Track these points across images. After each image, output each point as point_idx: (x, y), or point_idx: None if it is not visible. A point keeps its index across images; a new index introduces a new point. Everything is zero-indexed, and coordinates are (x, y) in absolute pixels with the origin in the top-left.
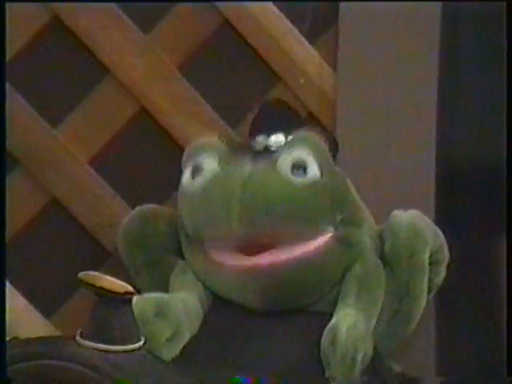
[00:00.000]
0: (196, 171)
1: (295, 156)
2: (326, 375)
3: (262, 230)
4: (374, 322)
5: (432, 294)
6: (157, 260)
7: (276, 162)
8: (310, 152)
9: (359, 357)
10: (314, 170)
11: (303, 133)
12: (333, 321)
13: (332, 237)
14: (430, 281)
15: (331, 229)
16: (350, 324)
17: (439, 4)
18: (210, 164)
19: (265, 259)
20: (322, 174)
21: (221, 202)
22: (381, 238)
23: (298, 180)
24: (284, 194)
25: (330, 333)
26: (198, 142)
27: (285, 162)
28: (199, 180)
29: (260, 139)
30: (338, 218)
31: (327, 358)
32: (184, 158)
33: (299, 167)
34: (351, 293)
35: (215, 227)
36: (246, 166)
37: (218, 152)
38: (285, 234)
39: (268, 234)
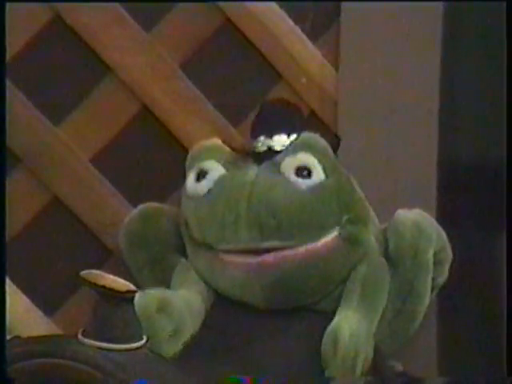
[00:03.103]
0: (200, 175)
1: (299, 160)
2: (326, 375)
3: (270, 235)
4: (375, 324)
5: (434, 294)
6: (159, 259)
7: (280, 165)
8: (313, 155)
9: (360, 361)
10: (318, 173)
11: (306, 136)
12: (334, 322)
13: (338, 235)
14: (432, 280)
15: (337, 228)
16: (352, 328)
17: (441, 3)
18: (214, 168)
19: (270, 256)
20: (326, 176)
21: (227, 209)
22: (384, 237)
23: (303, 183)
24: (289, 198)
25: (331, 335)
26: (201, 145)
27: (289, 165)
28: (204, 184)
29: (262, 139)
30: (345, 218)
31: (327, 360)
32: (188, 160)
33: (303, 170)
34: (355, 294)
35: (222, 233)
36: (251, 171)
37: (222, 155)
38: (291, 237)
39: (274, 239)
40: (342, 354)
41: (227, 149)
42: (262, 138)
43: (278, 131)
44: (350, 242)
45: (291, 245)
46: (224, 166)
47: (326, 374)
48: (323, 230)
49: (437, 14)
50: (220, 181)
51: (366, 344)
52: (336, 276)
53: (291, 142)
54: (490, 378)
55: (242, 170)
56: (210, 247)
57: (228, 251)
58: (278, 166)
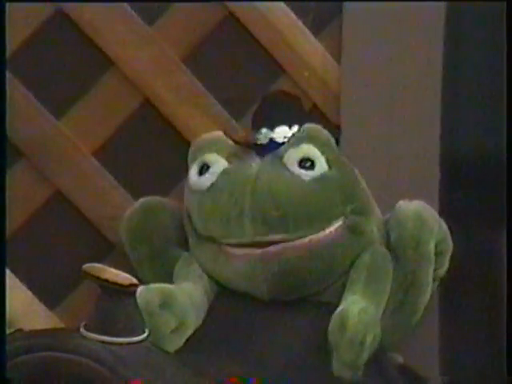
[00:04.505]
0: (203, 168)
1: (302, 151)
2: (334, 366)
3: (274, 228)
4: (381, 310)
5: (435, 285)
6: (159, 252)
7: (283, 157)
8: (316, 146)
9: (368, 342)
10: (321, 164)
11: (308, 127)
12: (341, 306)
13: (342, 225)
14: (433, 271)
15: (342, 219)
16: (360, 308)
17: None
18: (216, 161)
19: (274, 246)
20: (329, 167)
21: (231, 203)
22: (386, 229)
23: (306, 175)
24: (293, 190)
25: (339, 317)
26: (203, 138)
27: (292, 157)
28: (207, 177)
29: (264, 132)
30: (348, 209)
31: (335, 342)
32: (190, 154)
33: (306, 162)
34: (359, 281)
35: (227, 227)
36: (254, 164)
37: (224, 148)
38: (296, 229)
39: (279, 231)
40: (350, 333)
41: (229, 141)
42: (263, 130)
43: (280, 123)
44: (353, 232)
45: (297, 237)
46: (226, 159)
47: (334, 360)
48: (328, 221)
49: (439, 7)
50: (223, 174)
51: (374, 324)
52: (339, 266)
53: (293, 134)
54: (490, 377)
55: (244, 162)
56: (213, 240)
57: (233, 245)
58: (280, 158)
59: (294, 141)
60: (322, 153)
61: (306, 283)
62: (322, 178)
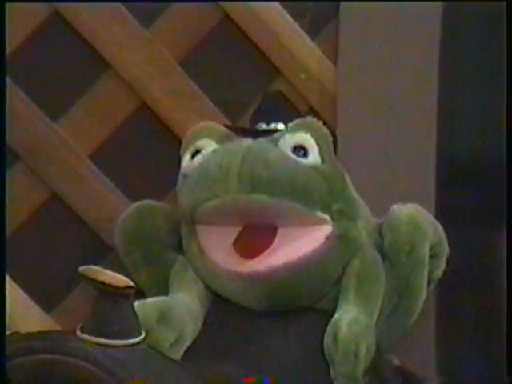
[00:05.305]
0: (195, 154)
1: (297, 138)
2: (331, 375)
3: (260, 187)
4: (375, 315)
5: (432, 287)
6: (154, 256)
7: (278, 141)
8: (312, 137)
9: (362, 352)
10: (314, 155)
11: (309, 119)
12: (334, 318)
13: (329, 236)
14: (429, 273)
15: (327, 218)
16: (350, 320)
17: (440, 3)
18: (207, 144)
19: (262, 264)
20: (322, 161)
21: (218, 167)
22: (380, 233)
23: (298, 160)
24: (284, 161)
25: (331, 330)
26: (195, 127)
27: (287, 142)
28: (198, 158)
29: (260, 125)
30: (334, 207)
31: (331, 356)
32: (183, 143)
33: (300, 150)
34: (351, 288)
35: (212, 188)
36: (246, 142)
37: (215, 132)
38: (281, 194)
39: (264, 192)
40: (343, 346)
41: (223, 128)
42: (259, 124)
43: (277, 120)
44: (342, 240)
45: (279, 205)
46: (217, 141)
47: (332, 370)
48: (312, 204)
49: (436, 9)
50: (213, 152)
51: (366, 334)
52: (331, 276)
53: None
54: (490, 377)
55: (236, 142)
56: (203, 250)
57: (214, 213)
58: (275, 141)
59: (292, 128)
60: (318, 144)
61: (298, 298)
62: (313, 168)
